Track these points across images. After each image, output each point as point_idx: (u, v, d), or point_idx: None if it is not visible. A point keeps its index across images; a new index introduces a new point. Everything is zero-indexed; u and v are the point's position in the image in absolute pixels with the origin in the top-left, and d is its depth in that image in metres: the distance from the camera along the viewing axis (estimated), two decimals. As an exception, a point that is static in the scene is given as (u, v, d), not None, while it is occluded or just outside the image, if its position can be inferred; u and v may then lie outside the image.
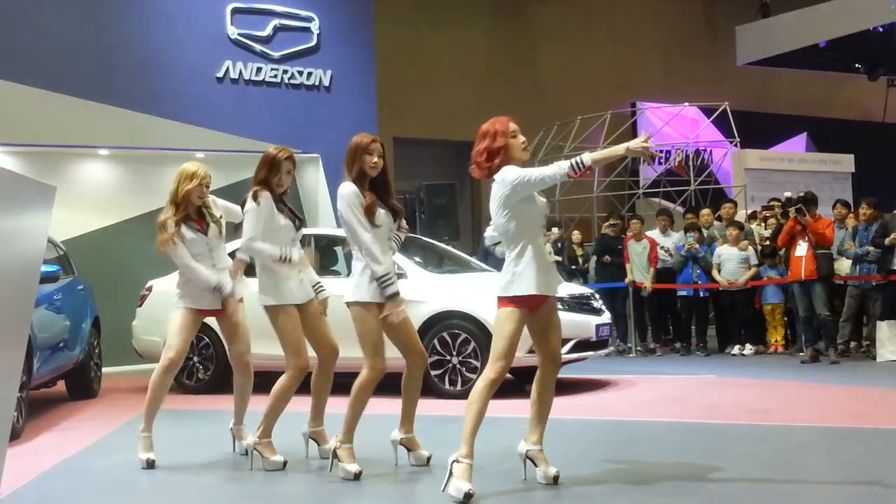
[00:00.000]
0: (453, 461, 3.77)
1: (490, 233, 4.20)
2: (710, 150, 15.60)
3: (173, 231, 4.71)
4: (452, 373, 6.93)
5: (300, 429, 4.76)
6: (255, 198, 4.47)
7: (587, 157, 3.75)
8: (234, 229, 4.98)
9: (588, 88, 15.60)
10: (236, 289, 4.91)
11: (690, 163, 14.75)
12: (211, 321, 5.16)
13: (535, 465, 4.02)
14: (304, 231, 4.80)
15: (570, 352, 6.88)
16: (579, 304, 7.37)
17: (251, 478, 4.45)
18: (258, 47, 11.05)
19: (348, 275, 4.53)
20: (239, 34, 10.94)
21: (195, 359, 7.72)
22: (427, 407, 5.44)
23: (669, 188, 14.39)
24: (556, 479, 3.97)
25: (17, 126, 9.61)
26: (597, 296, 7.88)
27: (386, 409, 5.16)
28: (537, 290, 3.85)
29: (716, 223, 10.54)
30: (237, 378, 4.93)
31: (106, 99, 10.02)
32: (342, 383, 4.85)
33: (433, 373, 6.80)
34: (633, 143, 3.78)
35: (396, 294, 4.19)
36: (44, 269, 5.66)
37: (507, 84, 14.88)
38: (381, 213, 4.27)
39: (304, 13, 11.36)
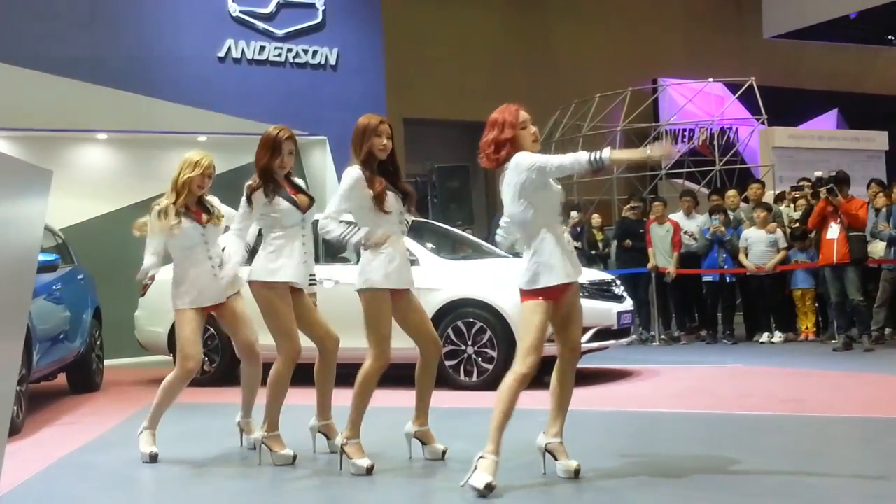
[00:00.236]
0: (479, 457, 3.77)
1: (502, 234, 4.25)
2: (736, 128, 15.44)
3: (175, 222, 4.66)
4: (468, 363, 6.90)
5: (306, 423, 4.71)
6: (248, 200, 4.44)
7: (607, 154, 3.74)
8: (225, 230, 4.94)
9: (607, 64, 15.46)
10: (235, 283, 4.80)
11: (715, 142, 14.63)
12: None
13: (556, 459, 3.98)
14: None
15: (590, 340, 6.82)
16: (600, 291, 7.30)
17: (260, 472, 4.42)
18: (261, 25, 10.90)
19: (357, 262, 4.35)
20: (241, 11, 10.80)
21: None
22: (442, 399, 5.44)
23: (693, 168, 14.27)
24: (577, 472, 3.93)
25: (11, 110, 9.53)
26: (618, 282, 7.80)
27: (399, 401, 5.25)
28: (564, 278, 3.83)
29: (742, 205, 10.41)
30: (244, 368, 4.88)
31: (103, 81, 9.92)
32: (349, 374, 4.74)
33: (448, 363, 6.79)
34: (656, 150, 3.80)
35: (358, 242, 4.19)
36: (42, 257, 5.69)
37: (521, 61, 14.80)
38: (391, 199, 4.23)
39: (308, -12, 11.22)
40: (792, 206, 10.37)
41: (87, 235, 9.73)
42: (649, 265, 9.93)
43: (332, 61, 11.15)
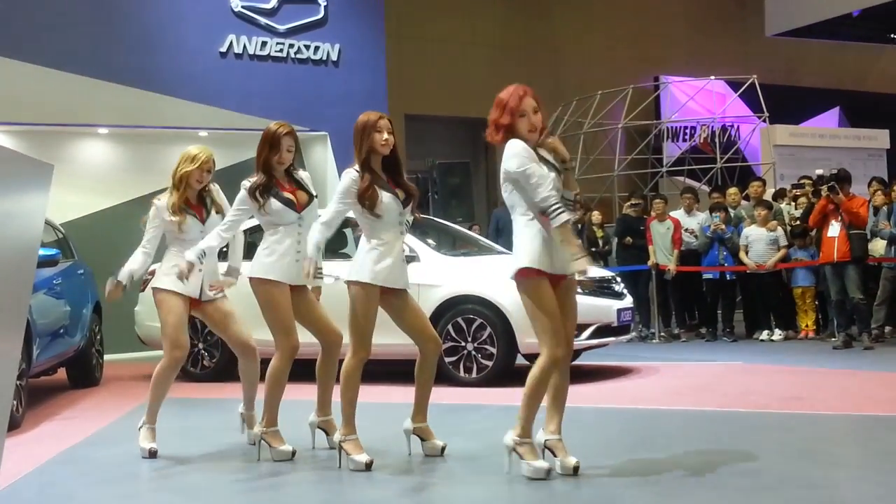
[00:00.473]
0: (514, 445, 3.86)
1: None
2: (738, 126, 15.41)
3: (179, 218, 4.67)
4: (468, 360, 6.86)
5: (306, 419, 4.69)
6: (252, 196, 4.42)
7: (559, 220, 3.71)
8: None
9: (608, 62, 15.42)
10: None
11: (717, 139, 14.61)
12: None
13: (554, 455, 3.94)
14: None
15: (590, 337, 6.80)
16: (600, 288, 7.26)
17: (258, 468, 4.40)
18: (263, 20, 10.86)
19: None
20: (243, 6, 10.76)
21: (200, 346, 7.69)
22: (441, 395, 5.40)
23: (694, 166, 14.27)
24: (576, 469, 3.90)
25: (12, 104, 9.49)
26: (618, 279, 7.77)
27: (399, 397, 5.24)
28: (537, 265, 3.79)
29: (743, 203, 10.38)
30: (241, 364, 4.86)
31: (105, 75, 9.88)
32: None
33: (447, 360, 6.76)
34: (580, 264, 3.74)
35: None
36: (42, 252, 5.67)
37: (523, 57, 14.77)
38: (386, 201, 4.17)
39: (310, -16, 11.17)
40: (793, 204, 10.33)
41: (88, 230, 9.71)
42: (649, 262, 9.90)
43: (334, 57, 11.11)
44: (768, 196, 10.65)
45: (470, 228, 10.92)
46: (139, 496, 4.17)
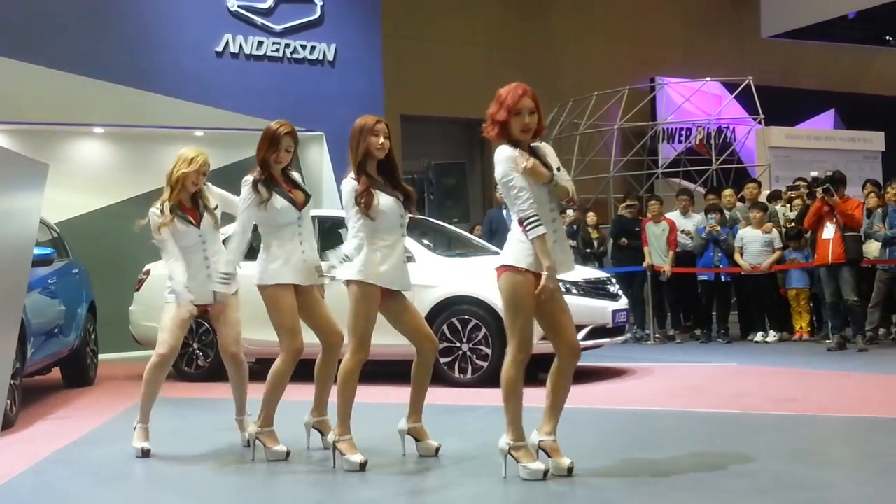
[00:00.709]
0: (508, 449, 3.85)
1: None
2: (733, 128, 15.42)
3: (170, 218, 4.64)
4: (462, 360, 6.88)
5: (301, 419, 4.69)
6: (255, 188, 4.41)
7: (539, 231, 3.74)
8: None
9: (604, 62, 15.41)
10: (230, 286, 4.74)
11: (712, 141, 14.61)
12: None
13: (548, 456, 3.94)
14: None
15: (585, 339, 6.79)
16: (595, 289, 7.27)
17: (252, 469, 4.40)
18: (259, 20, 10.85)
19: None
20: (239, 6, 10.75)
21: (195, 346, 7.71)
22: (436, 396, 5.41)
23: (690, 167, 14.25)
24: (570, 470, 3.91)
25: (7, 103, 9.45)
26: (613, 280, 7.77)
27: (394, 397, 5.23)
28: (527, 265, 3.79)
29: (738, 204, 10.38)
30: (229, 371, 4.86)
31: (100, 74, 9.86)
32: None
33: (442, 360, 6.74)
34: (548, 285, 3.76)
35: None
36: (37, 251, 5.67)
37: (519, 58, 14.75)
38: (386, 203, 4.18)
39: (306, -16, 11.15)
40: (788, 206, 10.31)
41: (83, 229, 9.68)
42: (645, 264, 9.90)
43: (330, 57, 11.10)
44: (763, 198, 10.64)
45: (472, 230, 10.91)
46: (133, 496, 4.17)
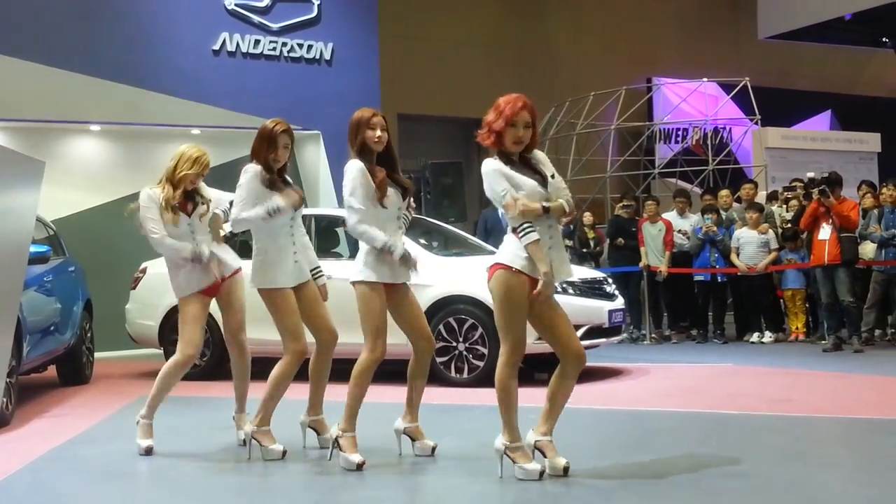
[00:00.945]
0: (504, 450, 3.86)
1: None
2: (730, 129, 15.41)
3: (172, 216, 4.62)
4: (459, 360, 6.88)
5: (297, 418, 4.69)
6: (266, 184, 4.41)
7: (531, 237, 3.75)
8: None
9: (601, 63, 15.40)
10: (227, 261, 4.78)
11: (709, 141, 14.60)
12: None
13: (544, 456, 3.94)
14: (304, 211, 4.73)
15: (581, 338, 6.66)
16: (591, 289, 7.27)
17: (249, 468, 4.40)
18: (256, 18, 10.85)
19: (350, 257, 4.31)
20: (236, 4, 10.74)
21: None
22: (432, 395, 5.42)
23: (686, 168, 14.27)
24: (565, 470, 3.90)
25: (3, 100, 9.44)
26: (609, 280, 7.77)
27: (390, 397, 5.21)
28: (521, 267, 3.79)
29: (735, 205, 10.40)
30: (233, 360, 4.87)
31: (97, 72, 9.85)
32: (341, 370, 4.75)
33: (439, 360, 6.76)
34: (539, 291, 3.76)
35: (403, 255, 4.18)
36: (33, 249, 5.64)
37: (516, 58, 14.73)
38: (391, 193, 4.21)
39: (303, -18, 11.13)
40: (784, 206, 10.34)
41: (79, 227, 9.68)
42: (641, 264, 9.90)
43: (327, 56, 11.10)
44: (760, 198, 10.67)
45: (475, 230, 10.88)
46: (129, 494, 4.16)
